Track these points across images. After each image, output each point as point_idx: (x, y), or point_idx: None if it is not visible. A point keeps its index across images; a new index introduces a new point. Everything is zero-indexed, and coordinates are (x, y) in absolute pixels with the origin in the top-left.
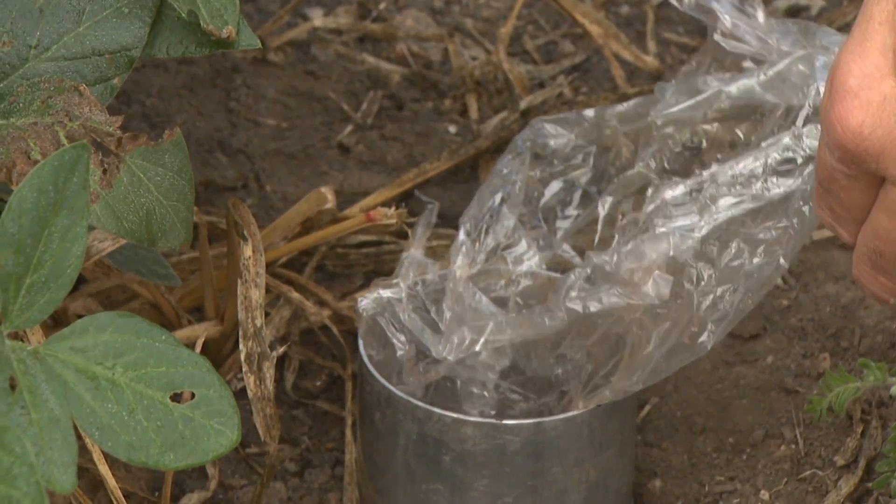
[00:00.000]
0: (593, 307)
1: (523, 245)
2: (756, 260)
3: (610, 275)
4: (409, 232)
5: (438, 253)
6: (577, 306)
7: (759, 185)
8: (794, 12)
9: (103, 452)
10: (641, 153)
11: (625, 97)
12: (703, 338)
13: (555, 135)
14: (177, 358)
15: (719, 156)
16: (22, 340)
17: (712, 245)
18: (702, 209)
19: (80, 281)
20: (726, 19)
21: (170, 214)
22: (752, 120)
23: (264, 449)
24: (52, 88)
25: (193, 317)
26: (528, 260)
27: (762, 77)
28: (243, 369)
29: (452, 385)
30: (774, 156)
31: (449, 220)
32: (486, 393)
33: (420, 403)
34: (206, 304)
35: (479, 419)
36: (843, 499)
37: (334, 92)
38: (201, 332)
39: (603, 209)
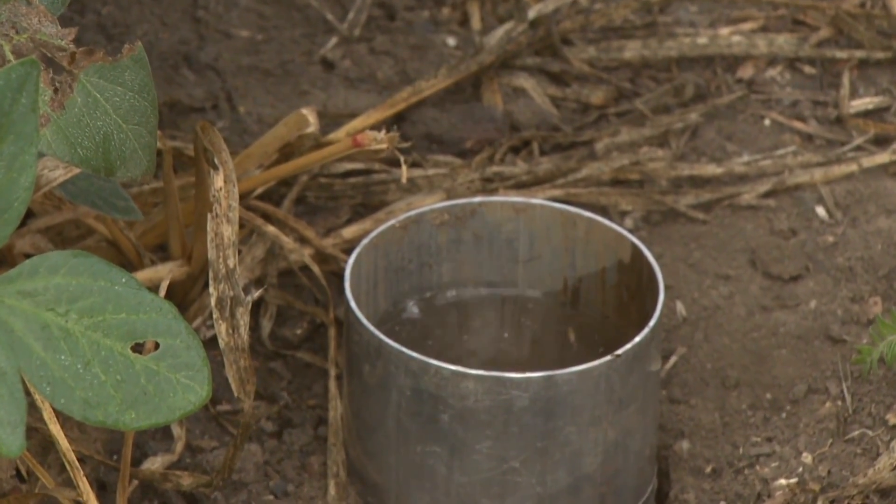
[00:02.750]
0: None
1: None
2: None
3: None
4: (402, 159)
5: (435, 183)
6: None
7: None
8: None
9: (55, 410)
10: None
11: (647, 5)
12: None
13: None
14: (138, 303)
15: None
16: None
17: None
18: None
19: (29, 215)
20: None
21: (130, 140)
22: None
23: (238, 406)
24: None
25: (157, 256)
26: None
27: None
28: (214, 316)
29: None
30: None
31: (447, 146)
32: None
33: (415, 354)
34: (171, 242)
35: (482, 372)
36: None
37: None
38: (166, 273)
39: None
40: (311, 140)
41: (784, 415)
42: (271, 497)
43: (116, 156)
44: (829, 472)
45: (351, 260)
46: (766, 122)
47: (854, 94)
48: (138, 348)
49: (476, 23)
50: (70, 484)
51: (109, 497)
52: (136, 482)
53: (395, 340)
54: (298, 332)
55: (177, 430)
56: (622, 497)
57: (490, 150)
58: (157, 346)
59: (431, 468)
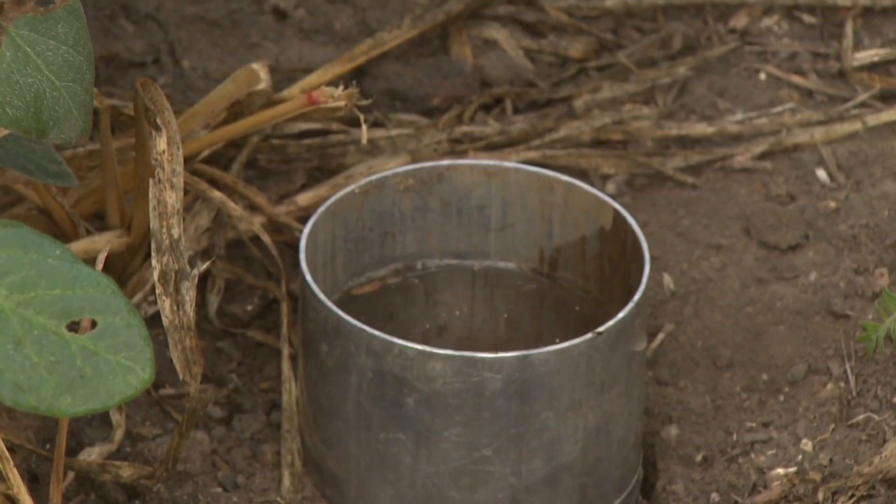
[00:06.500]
0: None
1: None
2: None
3: None
4: (362, 119)
5: (399, 144)
6: None
7: None
8: None
9: None
10: None
11: None
12: None
13: None
14: (74, 277)
15: None
16: None
17: None
18: None
19: None
20: None
21: (64, 98)
22: None
23: (183, 390)
24: None
25: (93, 225)
26: None
27: None
28: (157, 291)
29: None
30: None
31: (411, 103)
32: None
33: (377, 333)
34: (108, 210)
35: (451, 352)
36: None
37: None
38: (103, 244)
39: None
40: (262, 97)
41: (782, 398)
42: (219, 489)
43: (49, 116)
44: (830, 460)
45: (306, 229)
46: (762, 76)
47: (858, 45)
48: (74, 327)
49: None
50: None
51: (42, 490)
52: (71, 474)
53: (355, 317)
54: (249, 308)
55: (116, 417)
56: (604, 488)
57: (459, 108)
58: (94, 324)
59: (395, 457)
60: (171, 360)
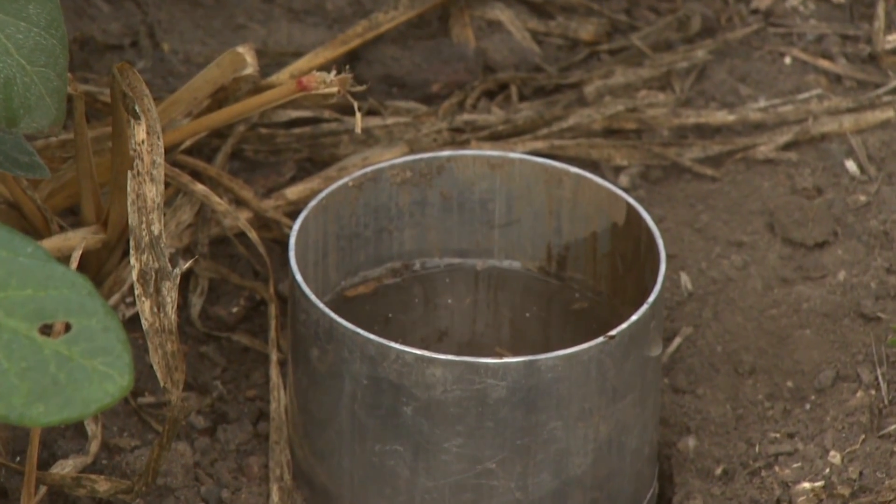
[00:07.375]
0: None
1: None
2: None
3: None
4: (356, 106)
5: (396, 134)
6: None
7: None
8: None
9: None
10: None
11: None
12: None
13: None
14: (47, 277)
15: None
16: None
17: None
18: None
19: None
20: None
21: (36, 84)
22: None
23: (163, 398)
24: None
25: (67, 221)
26: None
27: None
28: (136, 292)
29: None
30: None
31: (409, 90)
32: None
33: (372, 336)
34: (83, 205)
35: (452, 357)
36: None
37: None
38: (78, 241)
39: None
40: (248, 83)
41: (808, 406)
42: None
43: (20, 103)
44: (860, 473)
45: (296, 225)
46: (787, 60)
47: (890, 27)
48: (47, 330)
49: None
50: None
51: None
52: (43, 488)
53: (349, 320)
54: (234, 310)
55: (92, 427)
56: (617, 503)
57: (460, 94)
58: (68, 327)
59: (392, 470)
60: (151, 366)
